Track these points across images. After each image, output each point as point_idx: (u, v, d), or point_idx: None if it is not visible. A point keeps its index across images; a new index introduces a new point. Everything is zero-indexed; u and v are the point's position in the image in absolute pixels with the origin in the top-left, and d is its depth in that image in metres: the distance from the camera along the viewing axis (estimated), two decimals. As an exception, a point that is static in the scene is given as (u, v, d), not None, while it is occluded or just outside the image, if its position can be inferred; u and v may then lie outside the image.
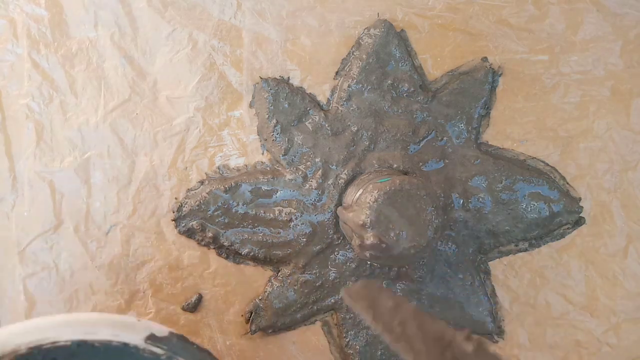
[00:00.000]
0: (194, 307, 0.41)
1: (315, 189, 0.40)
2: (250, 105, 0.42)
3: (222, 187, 0.41)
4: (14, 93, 0.41)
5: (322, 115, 0.41)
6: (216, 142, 0.42)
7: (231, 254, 0.41)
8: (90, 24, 0.41)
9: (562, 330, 0.42)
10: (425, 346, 0.22)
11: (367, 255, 0.35)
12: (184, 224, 0.41)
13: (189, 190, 0.42)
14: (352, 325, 0.41)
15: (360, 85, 0.41)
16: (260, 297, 0.41)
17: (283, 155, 0.41)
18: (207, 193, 0.41)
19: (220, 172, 0.42)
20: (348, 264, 0.41)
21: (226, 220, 0.41)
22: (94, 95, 0.41)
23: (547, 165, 0.42)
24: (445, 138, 0.41)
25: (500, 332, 0.42)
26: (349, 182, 0.40)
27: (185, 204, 0.41)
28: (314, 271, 0.41)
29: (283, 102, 0.41)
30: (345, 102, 0.41)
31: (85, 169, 0.41)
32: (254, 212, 0.41)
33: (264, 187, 0.41)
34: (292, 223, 0.41)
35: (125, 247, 0.41)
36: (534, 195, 0.41)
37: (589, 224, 0.42)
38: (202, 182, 0.42)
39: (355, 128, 0.41)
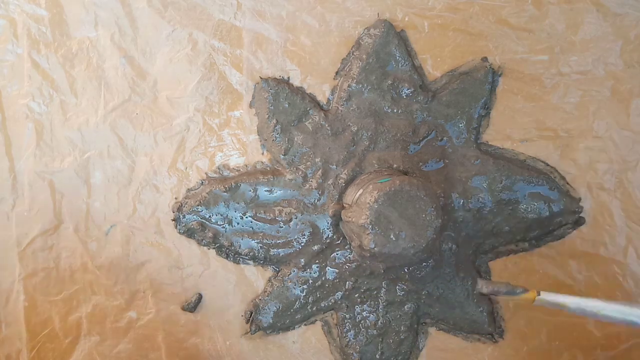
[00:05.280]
0: (194, 307, 0.42)
1: (315, 189, 0.40)
2: (250, 105, 0.42)
3: (222, 187, 0.41)
4: (14, 93, 0.41)
5: (322, 115, 0.41)
6: (216, 142, 0.42)
7: (231, 254, 0.41)
8: (90, 24, 0.41)
9: (562, 330, 0.42)
10: None
11: (367, 255, 0.35)
12: (184, 224, 0.41)
13: (189, 190, 0.42)
14: (352, 325, 0.41)
15: (360, 85, 0.41)
16: (260, 297, 0.41)
17: (283, 155, 0.41)
18: (207, 193, 0.41)
19: (220, 172, 0.42)
20: (348, 264, 0.41)
21: (226, 220, 0.41)
22: (94, 95, 0.41)
23: (547, 165, 0.42)
24: (445, 138, 0.41)
25: (500, 332, 0.42)
26: (349, 182, 0.40)
27: (185, 204, 0.41)
28: (314, 271, 0.41)
29: (283, 102, 0.41)
30: (345, 102, 0.41)
31: (85, 169, 0.41)
32: (254, 212, 0.41)
33: (264, 187, 0.41)
34: (292, 223, 0.41)
35: (125, 247, 0.41)
36: (534, 195, 0.41)
37: (589, 224, 0.42)
38: (202, 182, 0.42)
39: (355, 128, 0.41)
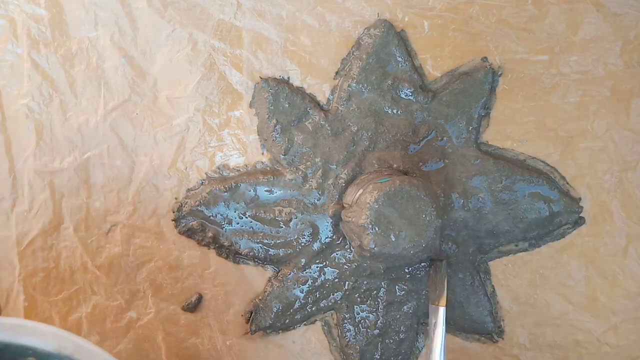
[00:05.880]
0: (194, 307, 0.42)
1: (315, 189, 0.40)
2: (250, 105, 0.42)
3: (222, 187, 0.41)
4: (14, 93, 0.41)
5: (322, 115, 0.41)
6: (216, 142, 0.42)
7: (231, 254, 0.41)
8: (90, 24, 0.41)
9: (562, 330, 0.42)
10: None
11: (367, 255, 0.35)
12: (184, 224, 0.41)
13: (189, 190, 0.42)
14: (352, 325, 0.41)
15: (360, 85, 0.41)
16: (260, 297, 0.41)
17: (283, 155, 0.41)
18: (207, 193, 0.41)
19: (220, 172, 0.42)
20: (348, 264, 0.41)
21: (226, 220, 0.41)
22: (94, 95, 0.41)
23: (547, 165, 0.42)
24: (445, 138, 0.41)
25: (500, 332, 0.42)
26: (349, 182, 0.40)
27: (185, 204, 0.41)
28: (314, 271, 0.41)
29: (283, 102, 0.41)
30: (345, 102, 0.41)
31: (85, 169, 0.41)
32: (254, 212, 0.41)
33: (264, 187, 0.41)
34: (292, 223, 0.41)
35: (125, 247, 0.41)
36: (533, 195, 0.41)
37: (589, 224, 0.42)
38: (202, 182, 0.42)
39: (355, 128, 0.41)
